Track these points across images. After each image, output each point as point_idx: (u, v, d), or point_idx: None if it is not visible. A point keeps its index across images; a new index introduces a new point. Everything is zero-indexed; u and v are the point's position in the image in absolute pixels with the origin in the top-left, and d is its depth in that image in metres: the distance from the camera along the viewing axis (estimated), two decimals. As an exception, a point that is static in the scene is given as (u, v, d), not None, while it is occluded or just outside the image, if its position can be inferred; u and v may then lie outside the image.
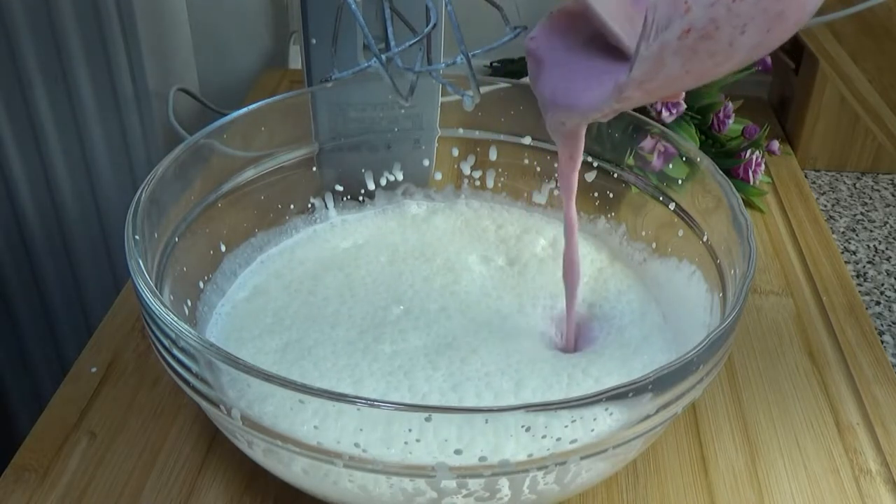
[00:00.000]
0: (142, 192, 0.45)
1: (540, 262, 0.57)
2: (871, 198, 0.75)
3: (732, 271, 0.45)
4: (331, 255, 0.57)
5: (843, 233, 0.70)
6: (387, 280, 0.55)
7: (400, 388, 0.46)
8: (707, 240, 0.50)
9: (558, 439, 0.36)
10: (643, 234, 0.57)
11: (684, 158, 0.53)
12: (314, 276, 0.55)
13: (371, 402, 0.35)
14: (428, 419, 0.35)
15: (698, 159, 0.51)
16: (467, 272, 0.56)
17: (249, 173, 0.55)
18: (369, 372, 0.47)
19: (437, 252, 0.57)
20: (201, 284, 0.51)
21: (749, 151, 0.70)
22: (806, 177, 0.77)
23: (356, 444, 0.36)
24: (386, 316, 0.51)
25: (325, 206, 0.60)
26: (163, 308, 0.38)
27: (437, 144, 0.62)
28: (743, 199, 0.48)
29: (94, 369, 0.53)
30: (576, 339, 0.51)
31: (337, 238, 0.59)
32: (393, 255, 0.57)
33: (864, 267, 0.66)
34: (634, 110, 0.65)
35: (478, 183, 0.63)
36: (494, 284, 0.55)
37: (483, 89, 0.60)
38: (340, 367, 0.47)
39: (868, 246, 0.68)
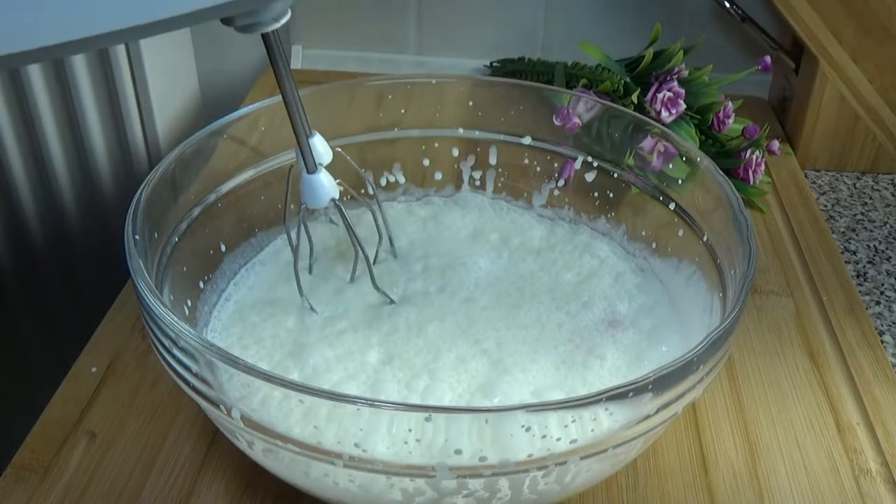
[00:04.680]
0: (142, 192, 0.45)
1: (555, 265, 0.57)
2: (871, 198, 0.75)
3: (732, 271, 0.45)
4: (336, 251, 0.57)
5: (843, 233, 0.70)
6: (398, 277, 0.55)
7: (412, 387, 0.46)
8: (707, 240, 0.50)
9: (558, 439, 0.36)
10: (643, 234, 0.57)
11: (684, 158, 0.53)
12: (319, 273, 0.55)
13: (371, 402, 0.35)
14: (428, 419, 0.35)
15: (698, 159, 0.51)
16: (480, 269, 0.56)
17: (249, 173, 0.55)
18: (382, 371, 0.47)
19: (449, 250, 0.57)
20: (201, 284, 0.51)
21: (749, 151, 0.70)
22: (806, 177, 0.77)
23: (356, 444, 0.36)
24: (398, 314, 0.51)
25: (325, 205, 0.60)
26: (163, 308, 0.38)
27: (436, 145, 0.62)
28: (743, 199, 0.48)
29: (94, 369, 0.53)
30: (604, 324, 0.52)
31: (341, 235, 0.59)
32: (401, 252, 0.57)
33: (864, 267, 0.66)
34: (635, 110, 0.65)
35: (478, 183, 0.63)
36: (507, 280, 0.55)
37: (483, 90, 0.60)
38: (351, 368, 0.47)
39: (868, 246, 0.68)
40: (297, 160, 0.48)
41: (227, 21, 0.37)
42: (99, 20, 0.31)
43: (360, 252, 0.50)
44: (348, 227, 0.50)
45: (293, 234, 0.52)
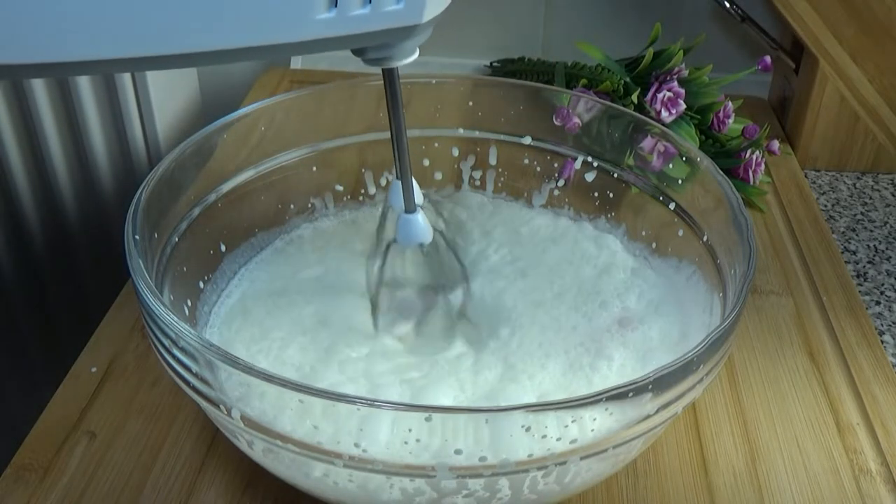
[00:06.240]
0: (142, 192, 0.45)
1: (558, 262, 0.57)
2: (871, 198, 0.75)
3: (732, 271, 0.45)
4: (339, 250, 0.57)
5: (843, 233, 0.70)
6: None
7: (416, 390, 0.46)
8: (707, 240, 0.50)
9: (558, 439, 0.36)
10: (643, 233, 0.57)
11: (684, 158, 0.53)
12: (324, 272, 0.55)
13: (371, 402, 0.35)
14: (428, 419, 0.35)
15: (698, 159, 0.51)
16: (484, 268, 0.56)
17: (249, 173, 0.55)
18: (388, 369, 0.47)
19: (468, 246, 0.57)
20: (201, 284, 0.51)
21: (749, 151, 0.70)
22: (806, 177, 0.77)
23: (356, 444, 0.36)
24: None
25: (325, 205, 0.60)
26: (163, 308, 0.38)
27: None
28: (743, 199, 0.48)
29: (94, 369, 0.53)
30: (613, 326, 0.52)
31: (344, 234, 0.59)
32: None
33: (864, 267, 0.66)
34: (635, 110, 0.65)
35: (478, 183, 0.63)
36: (513, 280, 0.55)
37: (483, 90, 0.60)
38: (359, 366, 0.47)
39: (868, 246, 0.68)
40: (389, 198, 0.48)
41: (357, 52, 0.38)
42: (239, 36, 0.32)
43: (465, 286, 0.51)
44: (456, 256, 0.50)
45: (375, 267, 0.51)
